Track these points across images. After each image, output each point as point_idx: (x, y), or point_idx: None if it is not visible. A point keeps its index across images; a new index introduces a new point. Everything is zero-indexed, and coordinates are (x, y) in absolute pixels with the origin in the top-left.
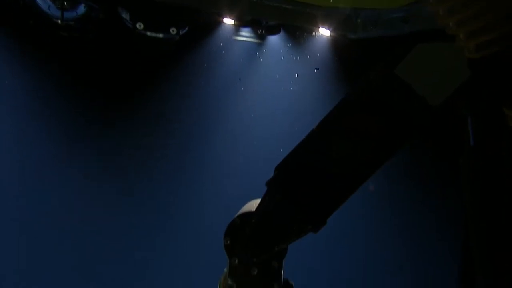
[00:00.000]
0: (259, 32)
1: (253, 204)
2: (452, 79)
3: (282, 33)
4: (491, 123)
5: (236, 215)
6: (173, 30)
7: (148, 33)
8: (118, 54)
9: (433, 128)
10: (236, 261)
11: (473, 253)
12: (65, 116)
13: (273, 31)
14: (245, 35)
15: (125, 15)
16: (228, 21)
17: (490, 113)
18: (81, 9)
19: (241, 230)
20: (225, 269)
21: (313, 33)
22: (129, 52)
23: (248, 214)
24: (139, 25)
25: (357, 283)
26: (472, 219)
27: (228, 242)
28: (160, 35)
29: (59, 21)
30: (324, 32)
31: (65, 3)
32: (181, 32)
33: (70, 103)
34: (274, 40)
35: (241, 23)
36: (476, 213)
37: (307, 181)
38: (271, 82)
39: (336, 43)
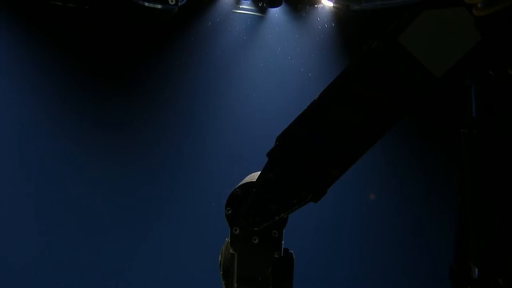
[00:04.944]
0: (260, 4)
1: (253, 176)
2: (458, 47)
3: (283, 5)
4: (495, 94)
5: (237, 186)
6: (171, 1)
7: (146, 3)
8: (115, 25)
9: (435, 98)
10: (237, 230)
11: (469, 219)
12: (62, 88)
13: (274, 3)
14: (246, 7)
15: None
16: None
17: (494, 83)
18: None
19: (242, 200)
20: (226, 239)
21: (316, 5)
22: (126, 22)
23: (249, 184)
24: None
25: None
26: (471, 188)
27: (230, 211)
28: (159, 6)
29: None
30: (326, 3)
31: None
32: (180, 3)
33: (68, 75)
34: (275, 12)
35: None
36: (475, 182)
37: (308, 152)
38: (272, 55)
39: (339, 15)
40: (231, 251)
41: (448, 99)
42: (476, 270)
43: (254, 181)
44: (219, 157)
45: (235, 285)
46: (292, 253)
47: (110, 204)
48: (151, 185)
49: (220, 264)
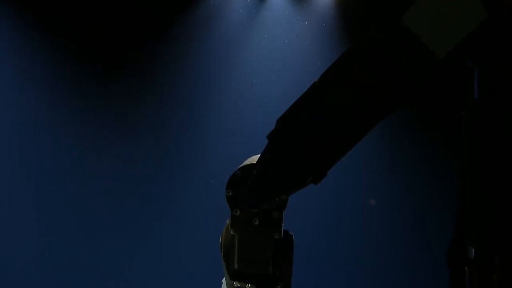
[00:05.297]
0: None
1: (254, 158)
2: (462, 26)
3: None
4: (498, 75)
5: (237, 168)
6: None
7: None
8: (114, 9)
9: (439, 82)
10: (238, 212)
11: (468, 201)
12: (60, 72)
13: None
14: None
15: None
16: None
17: (498, 65)
18: None
19: (242, 181)
20: (227, 221)
21: None
22: (125, 6)
23: (250, 166)
24: None
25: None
26: (471, 170)
27: (230, 193)
28: None
29: None
30: None
31: None
32: None
33: (60, 67)
34: None
35: None
36: (475, 166)
37: (308, 133)
38: (273, 38)
39: None
40: (231, 232)
41: (448, 85)
42: (473, 250)
43: (254, 163)
44: (221, 145)
45: (236, 266)
46: (292, 234)
47: (108, 199)
48: (150, 179)
49: (221, 245)
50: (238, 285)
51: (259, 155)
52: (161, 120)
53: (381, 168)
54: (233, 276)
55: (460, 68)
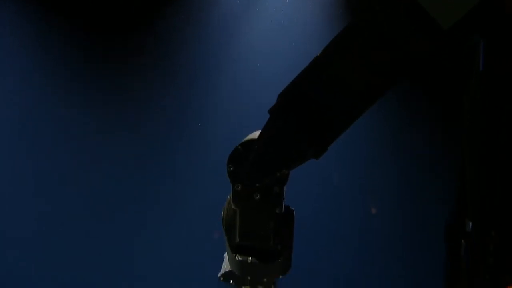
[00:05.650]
0: None
1: (255, 134)
2: None
3: None
4: (504, 47)
5: (239, 143)
6: None
7: None
8: None
9: (441, 55)
10: (239, 187)
11: (467, 179)
12: (58, 50)
13: None
14: None
15: None
16: None
17: (504, 36)
18: None
19: (244, 156)
20: (228, 196)
21: None
22: None
23: (251, 141)
24: None
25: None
26: (471, 148)
27: (231, 168)
28: None
29: None
30: None
31: None
32: None
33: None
34: None
35: None
36: (476, 142)
37: (309, 108)
38: (274, 17)
39: None
40: (233, 207)
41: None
42: (470, 224)
43: (255, 138)
44: (222, 122)
45: (237, 240)
46: (293, 210)
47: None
48: (150, 159)
49: (223, 220)
50: (240, 258)
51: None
52: (162, 101)
53: (381, 146)
54: (235, 250)
55: (466, 40)
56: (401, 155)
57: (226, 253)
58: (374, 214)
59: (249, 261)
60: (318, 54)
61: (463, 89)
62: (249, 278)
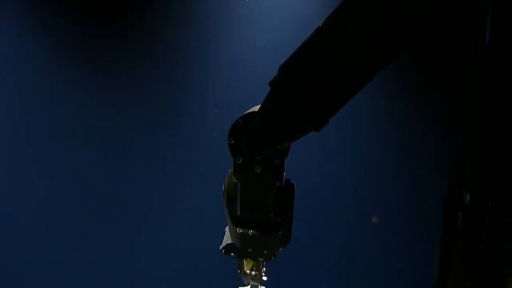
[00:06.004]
0: None
1: (256, 108)
2: None
3: None
4: None
5: (239, 116)
6: None
7: None
8: None
9: (447, 22)
10: (240, 160)
11: (468, 151)
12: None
13: None
14: None
15: None
16: None
17: None
18: None
19: (244, 129)
20: (229, 170)
21: None
22: None
23: (251, 114)
24: None
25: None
26: (474, 118)
27: (232, 141)
28: None
29: None
30: None
31: None
32: None
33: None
34: None
35: None
36: (479, 112)
37: (310, 79)
38: None
39: None
40: (234, 180)
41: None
42: (468, 196)
43: (256, 111)
44: (222, 97)
45: (238, 213)
46: (293, 183)
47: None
48: (151, 132)
49: (224, 193)
50: (240, 231)
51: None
52: (162, 77)
53: (380, 116)
54: (236, 222)
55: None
56: (400, 126)
57: (227, 227)
58: (374, 215)
59: (250, 234)
60: (320, 25)
61: (468, 59)
62: (250, 250)
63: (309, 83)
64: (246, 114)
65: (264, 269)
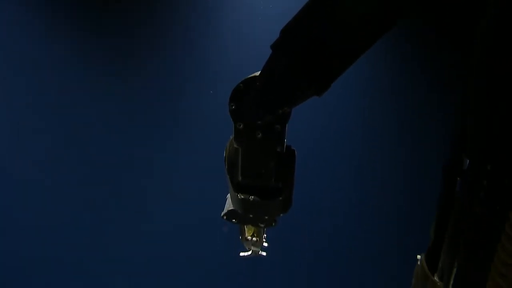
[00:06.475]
0: None
1: (257, 73)
2: None
3: None
4: None
5: (240, 81)
6: None
7: None
8: None
9: None
10: (241, 125)
11: (469, 114)
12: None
13: None
14: None
15: None
16: None
17: None
18: None
19: (245, 94)
20: (231, 136)
21: None
22: None
23: (252, 78)
24: None
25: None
26: (477, 81)
27: (233, 107)
28: None
29: None
30: None
31: None
32: None
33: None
34: None
35: None
36: (483, 74)
37: (312, 43)
38: None
39: None
40: (235, 146)
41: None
42: (468, 161)
43: (257, 75)
44: (223, 62)
45: (239, 179)
46: (294, 149)
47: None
48: (151, 99)
49: (225, 159)
50: (242, 197)
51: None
52: (162, 41)
53: (383, 82)
54: (237, 188)
55: None
56: (402, 92)
57: (229, 194)
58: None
59: (251, 199)
60: None
61: (477, 15)
62: (251, 216)
63: (311, 46)
64: (247, 78)
65: (265, 235)
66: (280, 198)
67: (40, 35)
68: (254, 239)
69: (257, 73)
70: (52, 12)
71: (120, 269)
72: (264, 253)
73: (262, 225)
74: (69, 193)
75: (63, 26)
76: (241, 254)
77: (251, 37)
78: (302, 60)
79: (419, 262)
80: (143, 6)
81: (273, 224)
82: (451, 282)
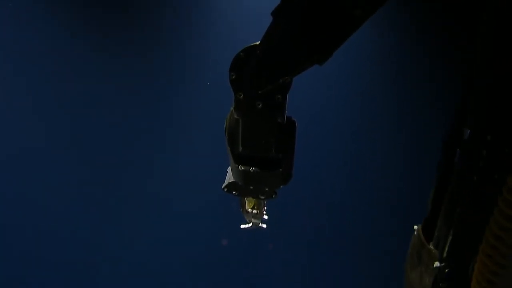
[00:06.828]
0: None
1: (258, 42)
2: None
3: None
4: None
5: (240, 50)
6: None
7: None
8: None
9: None
10: (242, 95)
11: (472, 87)
12: None
13: None
14: None
15: None
16: None
17: None
18: None
19: (245, 63)
20: (231, 107)
21: None
22: None
23: (253, 46)
24: None
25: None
26: (482, 55)
27: (234, 76)
28: None
29: None
30: None
31: None
32: None
33: None
34: None
35: None
36: (488, 50)
37: (313, 10)
38: None
39: None
40: (235, 116)
41: None
42: (468, 131)
43: (258, 44)
44: (223, 34)
45: (240, 150)
46: (294, 120)
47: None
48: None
49: (225, 130)
50: (242, 168)
51: None
52: (162, 41)
53: (385, 57)
54: (237, 160)
55: None
56: (401, 69)
57: (229, 167)
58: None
59: (251, 171)
60: None
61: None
62: (251, 188)
63: (313, 13)
64: (248, 47)
65: (265, 208)
66: (280, 169)
67: (40, 35)
68: (255, 211)
69: (258, 42)
70: (52, 12)
71: (120, 269)
72: (264, 225)
73: (262, 197)
74: (69, 193)
75: (63, 26)
76: (242, 226)
77: (251, 37)
78: (303, 27)
79: (415, 232)
80: (142, 7)
81: (274, 196)
82: (446, 249)
